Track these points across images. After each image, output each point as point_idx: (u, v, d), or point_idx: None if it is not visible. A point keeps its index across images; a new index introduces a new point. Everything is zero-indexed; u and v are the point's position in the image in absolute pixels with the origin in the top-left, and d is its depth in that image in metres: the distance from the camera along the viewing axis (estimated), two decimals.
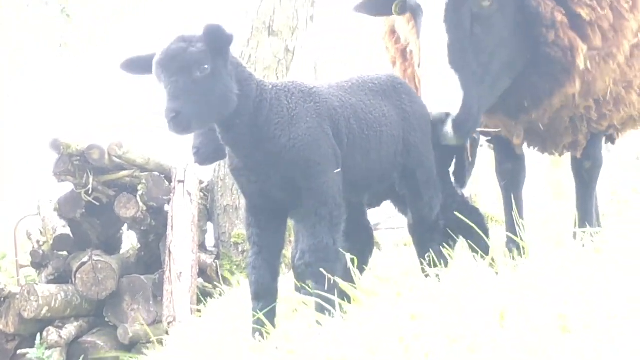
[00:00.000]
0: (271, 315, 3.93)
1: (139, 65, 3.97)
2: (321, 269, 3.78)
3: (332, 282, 3.72)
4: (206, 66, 3.72)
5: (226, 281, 9.84)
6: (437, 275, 3.63)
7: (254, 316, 3.93)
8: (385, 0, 4.81)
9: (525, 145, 5.46)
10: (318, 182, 3.89)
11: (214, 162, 5.28)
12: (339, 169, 3.96)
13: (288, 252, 6.04)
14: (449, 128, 4.48)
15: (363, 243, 4.77)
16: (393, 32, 5.73)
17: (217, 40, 3.79)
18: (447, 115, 4.47)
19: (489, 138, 5.64)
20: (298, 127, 3.90)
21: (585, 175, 5.29)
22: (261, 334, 3.77)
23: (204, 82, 3.73)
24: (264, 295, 3.98)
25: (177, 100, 3.66)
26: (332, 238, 3.87)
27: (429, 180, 4.51)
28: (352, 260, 3.85)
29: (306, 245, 3.88)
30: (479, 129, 5.32)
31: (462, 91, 4.46)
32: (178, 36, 3.81)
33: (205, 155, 4.81)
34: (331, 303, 3.57)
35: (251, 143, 3.88)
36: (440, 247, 4.43)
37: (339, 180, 3.95)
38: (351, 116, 4.14)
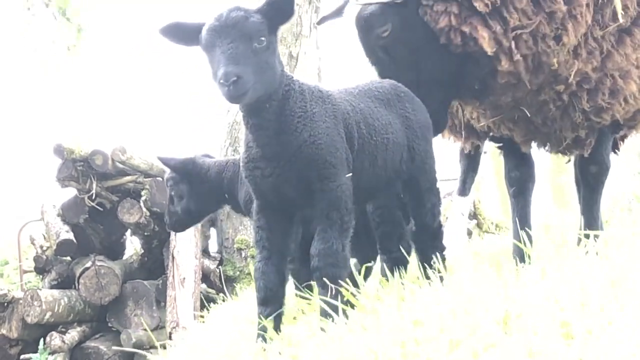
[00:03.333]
0: (278, 321, 3.92)
1: (182, 33, 3.88)
2: (329, 274, 3.75)
3: (337, 287, 3.72)
4: (263, 38, 3.68)
5: (229, 286, 9.84)
6: (441, 281, 3.64)
7: (259, 322, 3.92)
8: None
9: (534, 147, 5.48)
10: (332, 184, 3.85)
11: (187, 229, 5.61)
12: (350, 174, 3.94)
13: None
14: None
15: (368, 248, 4.80)
16: None
17: (279, 14, 3.78)
18: None
19: (500, 145, 5.64)
20: (318, 125, 3.88)
21: (592, 179, 5.26)
22: (264, 339, 3.77)
23: (261, 54, 3.68)
24: (272, 302, 3.94)
25: (238, 65, 3.58)
26: (342, 243, 3.83)
27: (432, 188, 4.53)
28: (356, 266, 3.87)
29: (316, 249, 3.83)
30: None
31: None
32: (234, 6, 3.74)
33: (179, 222, 5.19)
34: (335, 308, 3.56)
35: (274, 131, 3.83)
36: (443, 253, 4.45)
37: (350, 185, 3.93)
38: (361, 121, 4.13)
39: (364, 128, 4.11)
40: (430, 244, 4.48)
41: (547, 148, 5.41)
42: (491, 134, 5.43)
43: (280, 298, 3.95)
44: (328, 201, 3.83)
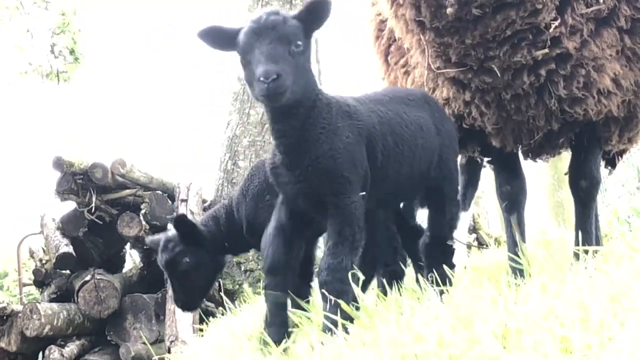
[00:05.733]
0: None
1: (220, 38, 3.95)
2: (336, 289, 3.80)
3: (337, 302, 3.73)
4: (300, 42, 3.77)
5: (228, 299, 9.82)
6: (440, 295, 3.65)
7: (267, 294, 4.05)
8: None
9: (521, 157, 5.47)
10: (346, 200, 3.89)
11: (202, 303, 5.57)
12: (364, 192, 3.97)
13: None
14: None
15: (373, 260, 4.80)
16: (378, 36, 5.83)
17: (315, 19, 3.86)
18: None
19: (490, 159, 5.64)
20: (339, 140, 3.91)
21: (582, 194, 5.26)
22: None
23: (298, 57, 3.76)
24: (275, 273, 4.07)
25: (277, 64, 3.63)
26: (351, 260, 3.87)
27: (454, 199, 4.61)
28: (357, 278, 3.88)
29: (325, 263, 3.87)
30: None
31: None
32: (272, 10, 3.86)
33: (194, 304, 5.11)
34: (335, 323, 3.57)
35: (296, 139, 3.88)
36: (450, 268, 4.46)
37: (362, 203, 3.96)
38: (388, 132, 4.17)
39: (390, 138, 4.17)
40: (440, 256, 4.50)
41: (518, 146, 5.35)
42: (463, 123, 5.30)
43: (285, 271, 4.05)
44: (342, 217, 3.88)
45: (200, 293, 5.05)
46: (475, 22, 4.63)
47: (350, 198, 3.89)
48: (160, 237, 4.98)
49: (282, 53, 3.68)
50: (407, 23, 4.96)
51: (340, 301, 3.71)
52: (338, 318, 3.58)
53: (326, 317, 3.70)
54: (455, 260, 4.72)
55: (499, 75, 4.78)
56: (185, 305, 5.00)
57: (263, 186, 5.01)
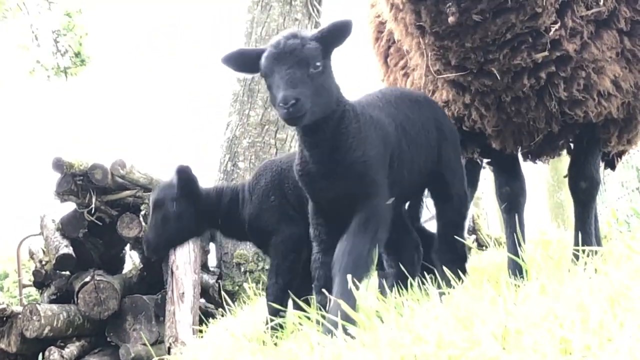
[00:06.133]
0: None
1: (243, 62, 4.15)
2: (349, 271, 3.89)
3: (338, 302, 3.75)
4: (319, 64, 3.92)
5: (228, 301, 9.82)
6: (440, 296, 3.65)
7: (330, 307, 4.00)
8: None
9: (520, 157, 5.48)
10: (375, 201, 4.06)
11: (164, 255, 5.58)
12: (392, 199, 4.13)
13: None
14: None
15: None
16: (377, 38, 5.84)
17: (336, 39, 4.03)
18: None
19: (489, 160, 5.64)
20: (369, 147, 4.10)
21: (582, 195, 5.27)
22: (330, 332, 3.76)
23: (317, 78, 3.91)
24: (330, 290, 4.07)
25: (295, 89, 3.80)
26: (368, 249, 3.99)
27: (459, 192, 4.73)
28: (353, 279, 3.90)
29: (341, 251, 4.00)
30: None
31: None
32: (291, 32, 4.02)
33: (156, 249, 5.13)
34: (335, 323, 3.58)
35: (329, 149, 4.05)
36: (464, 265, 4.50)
37: (391, 207, 4.13)
38: (402, 137, 4.35)
39: (404, 142, 4.36)
40: (450, 254, 4.54)
41: (518, 147, 5.37)
42: (463, 125, 5.33)
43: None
44: (367, 214, 4.04)
45: (167, 243, 5.14)
46: (475, 26, 4.64)
47: (378, 200, 4.07)
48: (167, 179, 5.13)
49: (301, 77, 3.85)
50: (406, 27, 4.97)
51: (350, 281, 3.78)
52: (335, 318, 3.61)
53: (324, 318, 3.72)
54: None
55: (498, 78, 4.79)
56: (149, 247, 5.08)
57: (269, 187, 5.03)
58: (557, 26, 4.65)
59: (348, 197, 4.08)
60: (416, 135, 4.44)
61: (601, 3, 4.71)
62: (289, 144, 11.65)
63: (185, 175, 5.03)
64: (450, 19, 4.56)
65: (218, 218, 5.15)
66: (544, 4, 4.56)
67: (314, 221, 4.30)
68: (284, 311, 4.61)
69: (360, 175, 4.04)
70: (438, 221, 4.72)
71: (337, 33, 4.02)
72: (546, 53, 4.70)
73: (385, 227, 4.10)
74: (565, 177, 5.53)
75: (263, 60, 3.96)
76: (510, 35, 4.65)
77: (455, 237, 4.57)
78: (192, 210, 5.02)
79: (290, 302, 4.83)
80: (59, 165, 9.81)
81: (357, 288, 3.71)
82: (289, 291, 4.89)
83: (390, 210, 4.12)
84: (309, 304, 4.68)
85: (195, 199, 5.04)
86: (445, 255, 4.63)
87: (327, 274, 4.14)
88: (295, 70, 3.85)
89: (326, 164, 4.07)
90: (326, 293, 4.06)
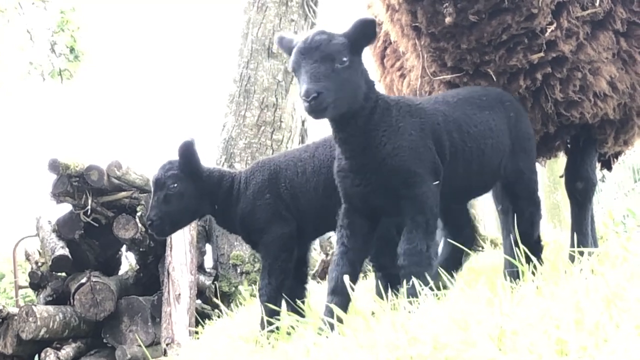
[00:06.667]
0: (344, 310, 4.06)
1: (287, 47, 4.24)
2: (412, 272, 3.95)
3: (414, 284, 3.79)
4: (345, 59, 3.99)
5: (224, 302, 9.82)
6: (437, 298, 3.65)
7: (326, 308, 4.05)
8: None
9: None
10: (417, 191, 4.09)
11: (170, 234, 5.45)
12: (438, 181, 4.16)
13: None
14: None
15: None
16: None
17: (362, 36, 4.11)
18: None
19: None
20: (402, 138, 4.13)
21: (579, 196, 5.27)
22: (331, 326, 3.79)
23: (342, 73, 3.99)
24: (340, 293, 4.11)
25: (318, 83, 3.89)
26: (426, 244, 4.05)
27: (530, 197, 4.68)
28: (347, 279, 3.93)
29: (401, 249, 4.07)
30: None
31: None
32: (319, 29, 4.10)
33: (161, 227, 4.98)
34: (329, 323, 3.59)
35: (360, 145, 4.12)
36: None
37: (437, 191, 4.16)
38: (454, 130, 4.34)
39: (457, 136, 4.35)
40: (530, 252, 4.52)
41: None
42: None
43: (347, 292, 4.07)
44: (413, 206, 4.10)
45: (172, 223, 5.01)
46: (471, 27, 4.64)
47: (421, 188, 4.10)
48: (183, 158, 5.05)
49: (325, 71, 3.94)
50: (402, 28, 4.97)
51: (417, 281, 3.81)
52: (330, 319, 3.62)
53: (410, 290, 3.82)
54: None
55: (494, 79, 4.79)
56: (154, 225, 4.95)
57: (265, 184, 5.01)
58: (553, 27, 4.65)
59: (387, 191, 4.13)
60: (479, 135, 4.44)
61: (597, 4, 4.71)
62: (285, 145, 11.65)
63: (188, 153, 4.98)
64: (447, 19, 4.57)
65: (215, 203, 5.12)
66: (540, 4, 4.56)
67: (341, 223, 4.31)
68: (279, 312, 4.61)
69: (396, 168, 4.09)
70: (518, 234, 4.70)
71: (361, 30, 4.10)
72: (542, 54, 4.70)
73: (434, 215, 4.14)
74: (561, 177, 5.54)
75: (292, 55, 4.08)
76: (506, 36, 4.65)
77: (530, 243, 4.51)
78: (193, 188, 4.99)
79: (283, 303, 4.85)
80: (54, 166, 9.81)
81: (424, 288, 3.72)
82: (281, 291, 4.88)
83: (437, 194, 4.15)
84: (302, 304, 4.70)
85: (196, 177, 5.01)
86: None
87: (338, 277, 4.15)
88: (320, 64, 3.94)
89: (358, 159, 4.13)
90: (330, 300, 4.09)
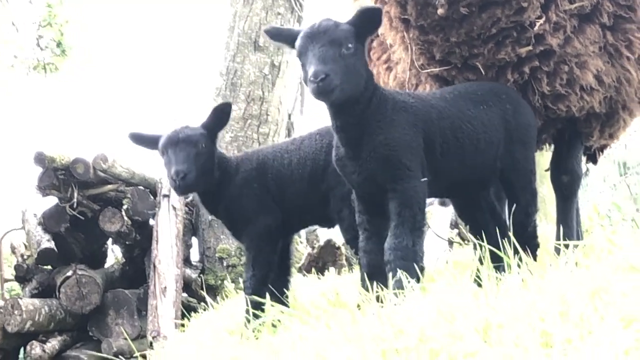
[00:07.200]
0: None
1: (286, 37, 4.35)
2: (398, 266, 3.96)
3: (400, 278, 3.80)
4: (350, 45, 4.07)
5: (210, 295, 9.81)
6: (423, 289, 3.66)
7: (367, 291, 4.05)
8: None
9: None
10: (405, 185, 4.13)
11: (190, 192, 5.37)
12: (426, 178, 4.19)
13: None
14: None
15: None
16: None
17: (367, 24, 4.19)
18: None
19: None
20: (395, 131, 4.18)
21: (564, 189, 5.29)
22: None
23: (348, 59, 4.06)
24: (378, 275, 4.14)
25: (326, 65, 3.96)
26: (412, 240, 4.08)
27: (526, 187, 4.70)
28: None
29: (387, 243, 4.09)
30: None
31: None
32: (325, 17, 4.16)
33: (191, 180, 4.86)
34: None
35: (355, 133, 4.17)
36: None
37: (425, 187, 4.19)
38: (447, 127, 4.38)
39: (450, 132, 4.39)
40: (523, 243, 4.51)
41: None
42: None
43: (384, 273, 4.10)
44: (400, 200, 4.13)
45: (196, 181, 4.88)
46: (461, 20, 4.64)
47: (409, 183, 4.14)
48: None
49: (333, 55, 4.01)
50: (391, 20, 4.97)
51: (403, 274, 3.83)
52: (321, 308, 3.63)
53: (396, 283, 3.84)
54: (436, 254, 4.76)
55: (483, 72, 4.80)
56: (186, 177, 4.82)
57: (253, 173, 5.01)
58: (541, 21, 4.66)
59: (377, 181, 4.18)
60: (473, 131, 4.47)
61: None
62: (272, 138, 11.65)
63: (223, 115, 5.15)
64: (440, 11, 4.57)
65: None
66: None
67: (358, 208, 4.38)
68: (264, 304, 4.60)
69: (385, 158, 4.13)
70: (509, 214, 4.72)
71: (366, 18, 4.17)
72: (530, 47, 4.71)
73: (422, 210, 4.18)
74: (546, 170, 5.54)
75: (298, 40, 4.12)
76: (495, 29, 4.66)
77: (520, 235, 4.50)
78: (213, 152, 5.03)
79: (267, 295, 4.85)
80: (40, 159, 9.77)
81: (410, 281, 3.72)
82: (266, 284, 4.88)
83: (425, 190, 4.20)
84: (287, 297, 4.71)
85: (214, 145, 5.10)
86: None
87: (371, 262, 4.25)
88: (328, 48, 4.01)
89: (354, 147, 4.18)
90: (366, 281, 4.16)
